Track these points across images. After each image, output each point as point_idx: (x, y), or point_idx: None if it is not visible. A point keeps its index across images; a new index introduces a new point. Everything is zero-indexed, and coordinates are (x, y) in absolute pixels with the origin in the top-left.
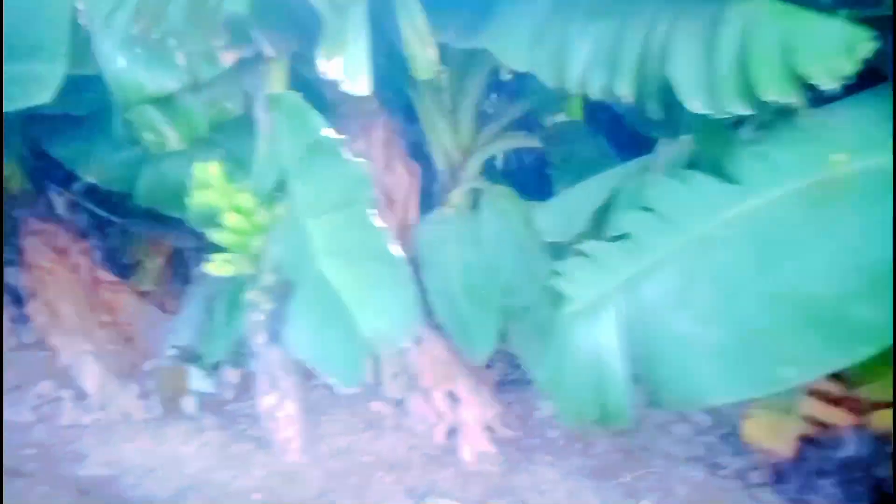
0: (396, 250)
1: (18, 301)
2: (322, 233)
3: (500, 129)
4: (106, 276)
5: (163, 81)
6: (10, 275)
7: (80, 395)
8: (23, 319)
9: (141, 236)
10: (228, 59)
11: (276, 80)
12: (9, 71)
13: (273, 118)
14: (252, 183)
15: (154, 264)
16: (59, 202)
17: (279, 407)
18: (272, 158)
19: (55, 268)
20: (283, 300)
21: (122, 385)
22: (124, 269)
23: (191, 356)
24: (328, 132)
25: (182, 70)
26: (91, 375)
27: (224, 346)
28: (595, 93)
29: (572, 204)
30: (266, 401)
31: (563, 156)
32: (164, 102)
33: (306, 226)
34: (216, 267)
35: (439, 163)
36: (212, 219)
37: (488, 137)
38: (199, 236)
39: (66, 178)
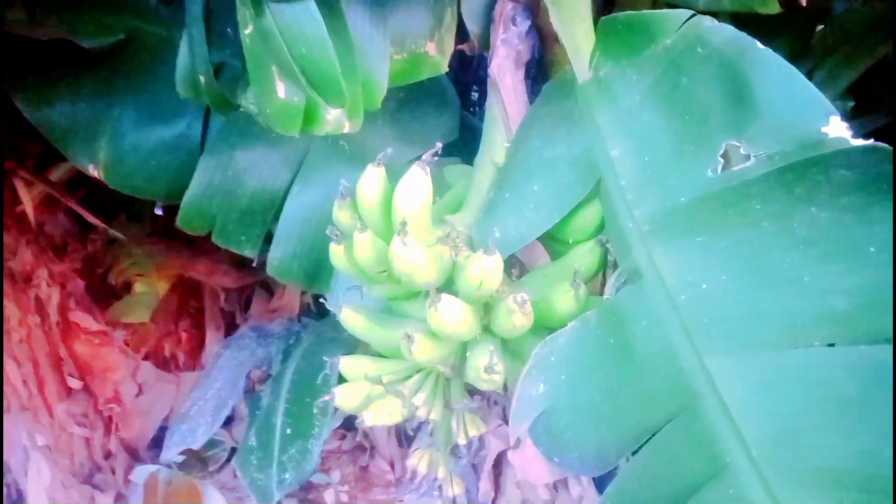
0: None
1: None
2: (768, 391)
3: None
4: (85, 319)
5: None
6: None
7: None
8: None
9: (139, 252)
10: None
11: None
12: None
13: (601, 84)
14: (485, 231)
15: (152, 291)
16: (27, 197)
17: None
18: (556, 190)
19: (7, 307)
20: None
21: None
22: (103, 294)
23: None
24: (839, 128)
25: None
26: (39, 482)
27: (299, 474)
28: None
29: None
30: None
31: None
32: (329, 13)
33: (700, 367)
34: (353, 397)
35: None
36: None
37: None
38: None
39: (36, 158)
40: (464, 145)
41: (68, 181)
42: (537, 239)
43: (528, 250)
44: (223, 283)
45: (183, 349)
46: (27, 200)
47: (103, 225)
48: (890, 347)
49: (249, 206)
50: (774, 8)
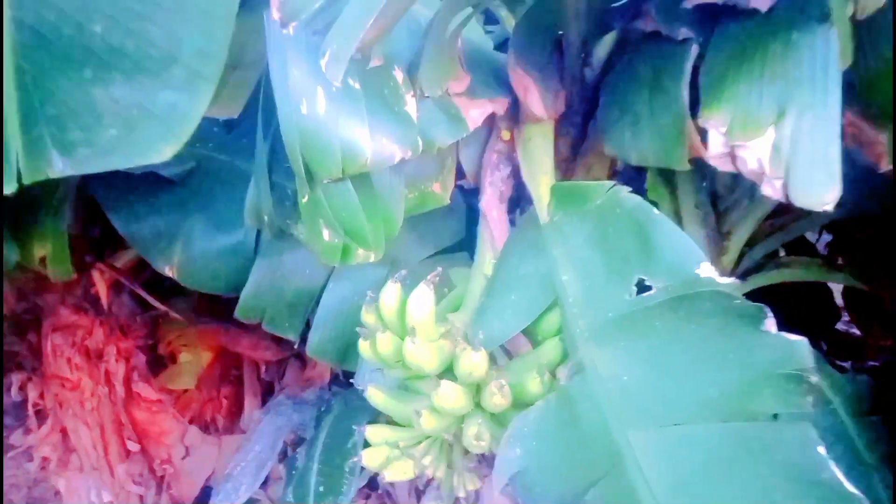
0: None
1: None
2: (669, 455)
3: (779, 247)
4: (145, 389)
5: (387, 144)
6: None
7: None
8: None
9: (187, 325)
10: (475, 116)
11: (539, 159)
12: (100, 98)
13: (556, 226)
14: (481, 331)
15: (196, 360)
16: (102, 284)
17: None
18: (527, 300)
19: (82, 379)
20: None
21: None
22: (152, 363)
23: None
24: (709, 270)
25: (414, 128)
26: None
27: None
28: None
29: None
30: None
31: None
32: (361, 181)
33: (625, 440)
34: (376, 458)
35: None
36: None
37: (760, 260)
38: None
39: (109, 248)
40: (469, 240)
41: (132, 267)
42: (521, 333)
43: (513, 341)
44: (263, 357)
45: (223, 414)
46: (102, 289)
47: (163, 307)
48: (746, 424)
49: (293, 300)
50: (685, 165)
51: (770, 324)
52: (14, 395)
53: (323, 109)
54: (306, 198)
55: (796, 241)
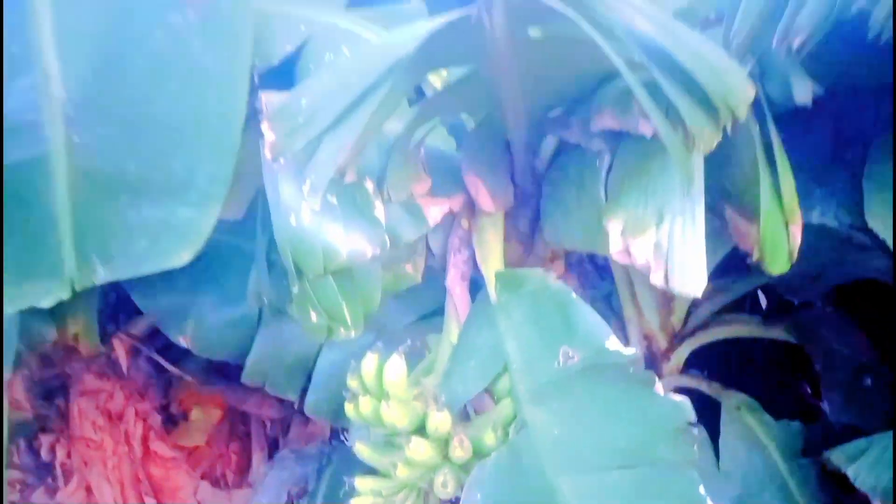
0: None
1: (47, 475)
2: (591, 497)
3: (721, 307)
4: (162, 449)
5: (361, 244)
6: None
7: None
8: None
9: (198, 386)
10: (434, 213)
11: (489, 246)
12: (132, 217)
13: (501, 306)
14: (444, 394)
15: (206, 418)
16: (122, 351)
17: None
18: (483, 366)
19: (104, 440)
20: None
21: None
22: (167, 420)
23: None
24: (615, 343)
25: (382, 228)
26: None
27: None
28: None
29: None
30: None
31: (825, 353)
32: (341, 272)
33: (557, 484)
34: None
35: (634, 345)
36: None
37: (705, 318)
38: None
39: (126, 317)
40: None
41: (148, 333)
42: (486, 393)
43: (478, 401)
44: (269, 414)
45: (233, 469)
46: (122, 355)
47: (176, 371)
48: (647, 469)
49: (292, 364)
50: (606, 251)
51: (659, 387)
52: (44, 456)
53: (307, 221)
54: (296, 288)
55: (746, 298)
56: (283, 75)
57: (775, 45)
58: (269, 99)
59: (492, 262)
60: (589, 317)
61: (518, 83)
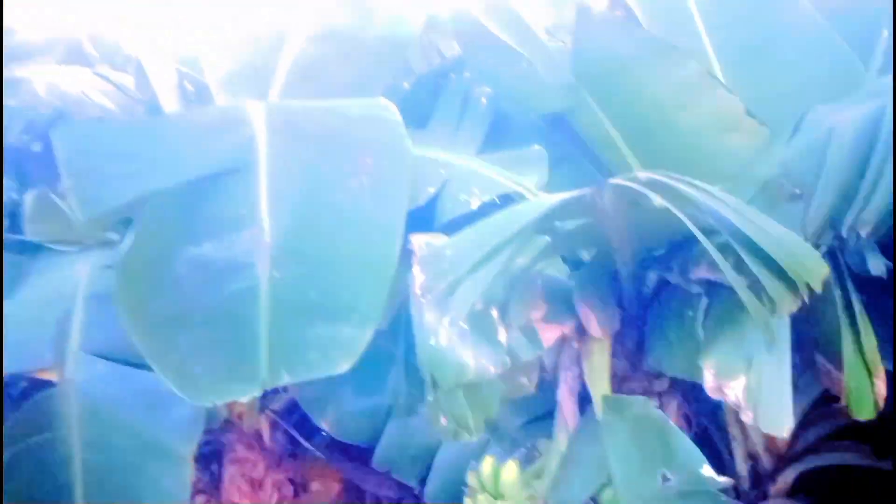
0: None
1: None
2: None
3: (832, 431)
4: None
5: (485, 363)
6: None
7: None
8: None
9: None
10: (549, 336)
11: (597, 368)
12: (310, 334)
13: (607, 424)
14: (553, 498)
15: (325, 490)
16: (266, 425)
17: None
18: (589, 476)
19: None
20: None
21: None
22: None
23: None
24: (709, 471)
25: (504, 350)
26: None
27: None
28: None
29: None
30: None
31: None
32: (467, 385)
33: None
34: None
35: (739, 464)
36: None
37: (814, 442)
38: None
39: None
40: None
41: (286, 409)
42: (589, 500)
43: None
44: (387, 495)
45: None
46: (265, 429)
47: (310, 446)
48: None
49: (416, 455)
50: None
51: None
52: None
53: (444, 343)
54: (430, 396)
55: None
56: (425, 210)
57: (845, 235)
58: (417, 241)
59: (599, 382)
60: (686, 444)
61: (626, 233)
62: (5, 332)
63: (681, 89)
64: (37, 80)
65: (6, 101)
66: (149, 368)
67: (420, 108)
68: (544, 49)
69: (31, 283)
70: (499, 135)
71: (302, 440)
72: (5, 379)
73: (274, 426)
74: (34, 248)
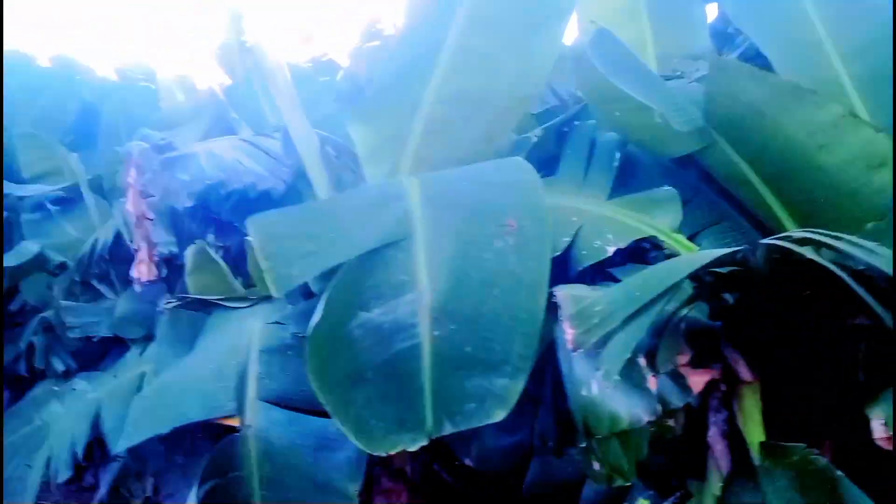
0: None
1: None
2: None
3: None
4: None
5: (638, 413)
6: None
7: None
8: None
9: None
10: (697, 381)
11: (749, 412)
12: (468, 385)
13: (765, 471)
14: None
15: None
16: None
17: None
18: None
19: None
20: None
21: None
22: None
23: None
24: None
25: (655, 398)
26: None
27: None
28: None
29: None
30: None
31: None
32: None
33: None
34: None
35: None
36: None
37: None
38: None
39: None
40: None
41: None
42: None
43: None
44: None
45: None
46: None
47: (450, 479)
48: None
49: (560, 487)
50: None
51: None
52: None
53: (597, 393)
54: (584, 443)
55: None
56: (561, 258)
57: None
58: (561, 293)
59: (752, 426)
60: (856, 493)
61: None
62: (192, 384)
63: (821, 130)
64: (201, 153)
65: (180, 175)
66: (316, 414)
67: (548, 156)
68: (669, 95)
69: (209, 338)
70: (626, 175)
71: (444, 474)
72: (201, 423)
73: (414, 458)
74: (208, 306)
